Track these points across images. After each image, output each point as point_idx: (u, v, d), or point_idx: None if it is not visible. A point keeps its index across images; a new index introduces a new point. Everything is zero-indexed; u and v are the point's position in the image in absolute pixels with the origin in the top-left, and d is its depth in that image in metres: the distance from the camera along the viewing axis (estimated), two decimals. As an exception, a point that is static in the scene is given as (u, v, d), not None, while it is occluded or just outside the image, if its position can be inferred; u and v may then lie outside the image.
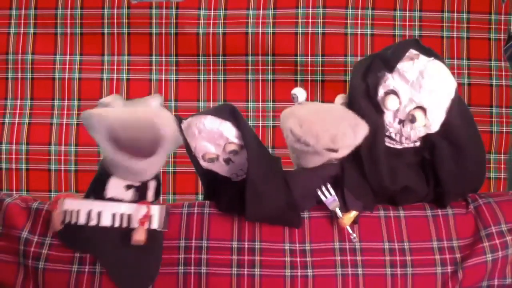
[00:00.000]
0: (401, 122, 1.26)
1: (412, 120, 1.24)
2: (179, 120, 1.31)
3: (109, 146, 1.23)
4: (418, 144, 1.30)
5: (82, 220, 1.27)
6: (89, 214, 1.28)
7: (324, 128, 1.22)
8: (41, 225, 1.31)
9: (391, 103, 1.25)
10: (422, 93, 1.23)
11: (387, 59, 1.26)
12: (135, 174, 1.29)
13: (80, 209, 1.28)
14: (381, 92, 1.26)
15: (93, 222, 1.27)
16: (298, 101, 1.32)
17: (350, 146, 1.25)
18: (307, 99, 1.33)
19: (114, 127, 1.22)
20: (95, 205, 1.29)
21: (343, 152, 1.25)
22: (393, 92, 1.25)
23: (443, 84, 1.23)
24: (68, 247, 1.29)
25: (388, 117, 1.27)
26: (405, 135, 1.27)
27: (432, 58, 1.24)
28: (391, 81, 1.25)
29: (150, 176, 1.32)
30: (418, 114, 1.24)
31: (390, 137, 1.29)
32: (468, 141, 1.27)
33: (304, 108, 1.29)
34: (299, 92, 1.31)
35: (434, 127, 1.25)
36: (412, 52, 1.25)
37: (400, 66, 1.24)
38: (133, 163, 1.25)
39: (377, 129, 1.26)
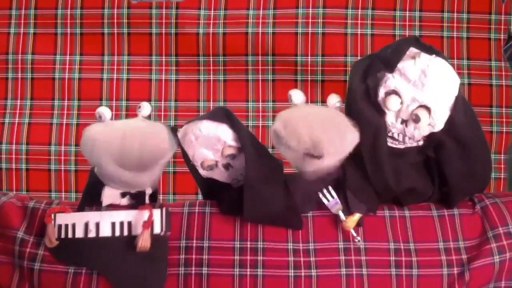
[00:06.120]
0: (404, 122, 1.24)
1: (416, 119, 1.22)
2: (175, 130, 1.30)
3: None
4: (421, 143, 1.28)
5: (79, 233, 1.25)
6: (86, 226, 1.25)
7: (308, 132, 1.19)
8: (37, 225, 1.29)
9: (392, 104, 1.22)
10: (425, 92, 1.21)
11: (386, 59, 1.23)
12: (134, 187, 1.28)
13: (75, 222, 1.25)
14: (381, 92, 1.24)
15: (91, 234, 1.24)
16: (293, 102, 1.28)
17: (335, 154, 1.22)
18: (307, 102, 1.31)
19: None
20: (91, 216, 1.26)
21: (328, 160, 1.22)
22: (394, 92, 1.22)
23: (446, 81, 1.21)
24: (65, 264, 1.26)
25: (390, 118, 1.25)
26: (409, 135, 1.25)
27: (434, 55, 1.21)
28: (391, 81, 1.22)
29: (149, 186, 1.31)
30: (422, 113, 1.22)
31: (392, 138, 1.26)
32: (474, 138, 1.25)
33: (296, 111, 1.26)
34: (294, 94, 1.28)
35: (439, 125, 1.23)
36: (413, 50, 1.23)
37: (401, 65, 1.21)
38: (135, 176, 1.24)
39: (378, 131, 1.24)
